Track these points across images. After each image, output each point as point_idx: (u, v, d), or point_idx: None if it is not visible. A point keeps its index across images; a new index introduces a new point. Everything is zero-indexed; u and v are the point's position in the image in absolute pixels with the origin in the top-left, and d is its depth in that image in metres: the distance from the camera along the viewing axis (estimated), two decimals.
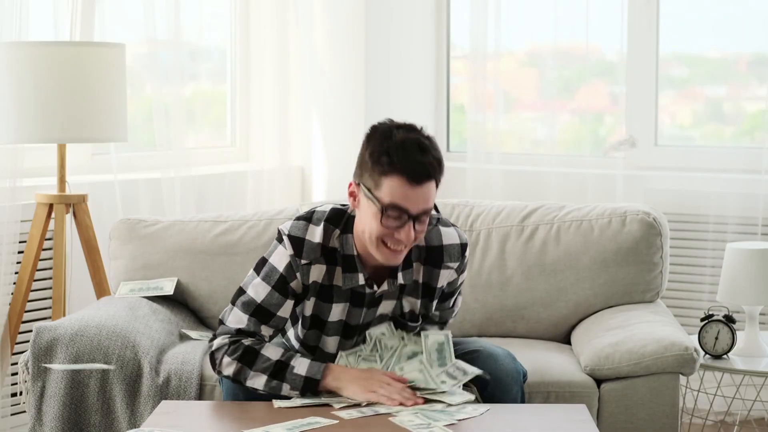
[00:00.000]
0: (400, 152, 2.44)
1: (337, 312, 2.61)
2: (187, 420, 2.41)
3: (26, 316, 3.54)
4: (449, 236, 2.65)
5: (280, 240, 2.61)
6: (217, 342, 2.58)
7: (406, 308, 2.65)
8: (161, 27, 3.99)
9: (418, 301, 2.65)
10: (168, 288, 3.28)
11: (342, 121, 4.53)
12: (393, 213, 2.45)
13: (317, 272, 2.58)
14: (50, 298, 3.55)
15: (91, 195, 3.64)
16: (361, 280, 2.58)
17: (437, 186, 2.51)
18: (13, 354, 3.48)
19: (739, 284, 3.31)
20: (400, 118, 2.59)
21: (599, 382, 2.86)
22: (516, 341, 3.18)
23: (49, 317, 3.56)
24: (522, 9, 4.57)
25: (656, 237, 3.24)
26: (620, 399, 2.83)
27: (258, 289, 2.59)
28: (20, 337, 3.54)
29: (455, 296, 2.75)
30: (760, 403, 3.69)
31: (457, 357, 2.62)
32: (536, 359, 2.94)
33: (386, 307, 2.64)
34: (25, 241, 3.47)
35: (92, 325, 2.94)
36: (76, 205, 3.49)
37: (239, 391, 2.57)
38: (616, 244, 3.25)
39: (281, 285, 2.57)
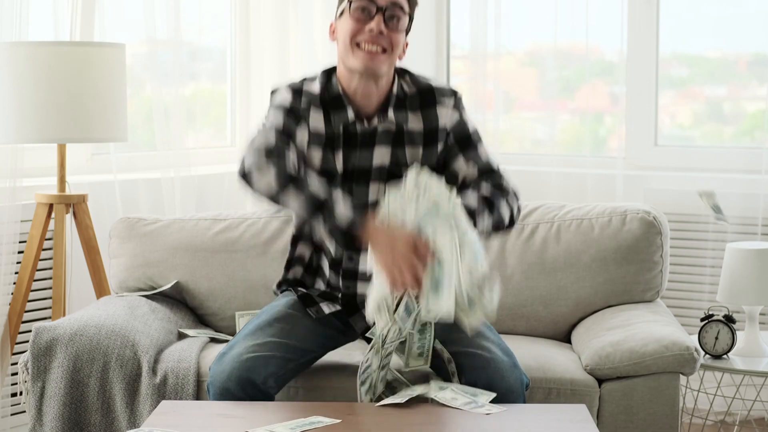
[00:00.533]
0: None
1: (340, 158, 2.66)
2: (187, 420, 2.41)
3: (26, 316, 3.54)
4: (438, 82, 2.76)
5: (276, 92, 2.70)
6: (249, 161, 2.58)
7: (408, 159, 2.68)
8: (161, 27, 3.99)
9: (420, 150, 2.69)
10: (166, 285, 3.29)
11: None
12: (361, 4, 2.59)
13: (316, 119, 2.65)
14: (50, 298, 3.55)
15: (91, 195, 3.64)
16: (350, 113, 2.64)
17: (411, 7, 2.65)
18: (13, 354, 3.48)
19: (739, 284, 3.31)
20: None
21: (600, 381, 2.86)
22: (517, 339, 3.18)
23: (49, 317, 3.56)
24: (522, 9, 4.57)
25: (656, 236, 3.24)
26: (620, 399, 2.83)
27: (272, 118, 2.65)
28: (20, 337, 3.54)
29: (478, 146, 2.74)
30: (760, 403, 3.69)
31: (455, 350, 2.62)
32: (539, 355, 2.94)
33: (382, 155, 2.67)
34: (25, 241, 3.47)
35: (91, 325, 2.94)
36: (76, 205, 3.49)
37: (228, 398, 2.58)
38: (616, 242, 3.25)
39: (292, 114, 2.65)
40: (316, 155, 2.68)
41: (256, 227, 3.37)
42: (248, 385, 2.57)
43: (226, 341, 3.15)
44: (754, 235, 3.97)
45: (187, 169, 4.02)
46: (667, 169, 4.25)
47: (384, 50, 2.61)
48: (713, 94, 4.47)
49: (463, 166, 2.73)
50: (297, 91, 2.69)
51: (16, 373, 3.47)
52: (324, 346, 2.78)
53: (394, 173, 2.69)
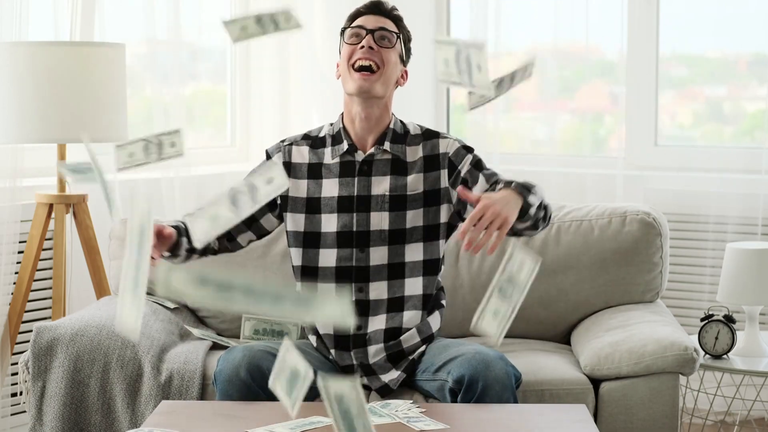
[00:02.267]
0: (360, 5, 2.86)
1: (329, 187, 2.82)
2: (187, 420, 2.41)
3: (26, 316, 3.54)
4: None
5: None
6: None
7: (410, 187, 2.79)
8: (161, 27, 3.99)
9: (421, 175, 2.80)
10: (168, 304, 3.28)
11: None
12: (353, 31, 2.81)
13: (299, 154, 2.86)
14: (50, 298, 3.55)
15: (91, 195, 3.64)
16: (345, 146, 2.81)
17: (403, 37, 2.85)
18: (13, 354, 3.48)
19: (739, 284, 3.31)
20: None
21: (599, 382, 2.86)
22: (514, 341, 3.18)
23: (49, 317, 3.56)
24: (522, 9, 4.57)
25: (656, 237, 3.24)
26: (620, 399, 2.83)
27: None
28: (20, 337, 3.54)
29: (490, 171, 2.82)
30: (760, 403, 3.69)
31: (445, 360, 2.67)
32: (531, 358, 2.95)
33: (381, 184, 2.80)
34: (25, 241, 3.47)
35: (92, 325, 2.94)
36: (76, 205, 3.49)
37: (233, 392, 2.59)
38: (616, 244, 3.25)
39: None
40: (302, 184, 2.84)
41: None
42: (258, 374, 2.58)
43: (228, 347, 3.13)
44: (754, 235, 3.97)
45: (187, 169, 4.02)
46: (667, 169, 4.25)
47: (377, 67, 2.78)
48: (713, 94, 4.47)
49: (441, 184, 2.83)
50: (280, 141, 2.93)
51: (16, 373, 3.47)
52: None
53: (396, 201, 2.80)
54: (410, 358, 2.79)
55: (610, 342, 2.89)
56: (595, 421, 2.81)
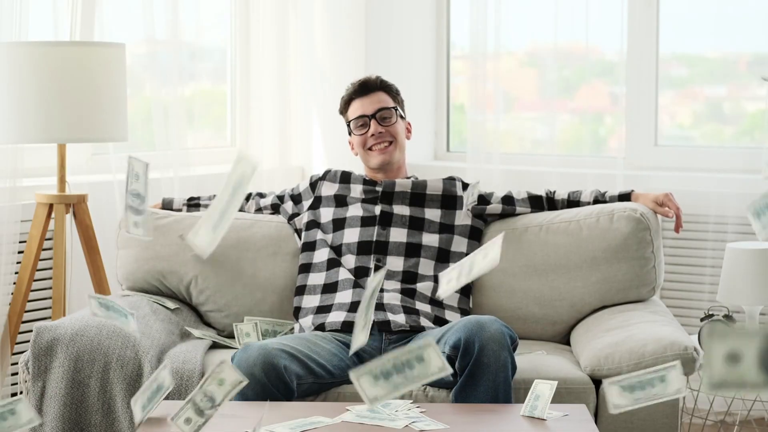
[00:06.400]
0: (350, 85, 3.29)
1: (354, 209, 3.22)
2: None
3: (26, 316, 3.54)
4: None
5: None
6: None
7: (429, 216, 3.17)
8: (161, 27, 3.99)
9: (439, 212, 3.18)
10: (168, 305, 3.28)
11: (342, 121, 4.53)
12: (357, 122, 3.27)
13: (329, 188, 3.27)
14: (50, 298, 3.55)
15: (91, 195, 3.64)
16: (367, 177, 3.25)
17: (394, 98, 3.28)
18: (13, 354, 3.48)
19: (739, 284, 3.31)
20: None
21: (599, 382, 2.86)
22: None
23: (49, 317, 3.56)
24: (522, 9, 4.57)
25: (644, 232, 3.24)
26: None
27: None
28: (20, 337, 3.54)
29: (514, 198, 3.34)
30: (760, 403, 3.69)
31: (443, 332, 2.79)
32: (532, 356, 2.95)
33: (401, 210, 3.20)
34: (25, 241, 3.47)
35: (92, 325, 2.94)
36: (76, 205, 3.49)
37: (248, 391, 2.59)
38: (605, 242, 3.25)
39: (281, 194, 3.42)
40: (328, 213, 3.25)
41: (269, 229, 3.38)
42: (273, 373, 2.61)
43: (230, 347, 3.12)
44: (754, 235, 3.96)
45: (187, 169, 4.02)
46: (667, 169, 4.25)
47: (390, 143, 3.23)
48: (713, 94, 4.47)
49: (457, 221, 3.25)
50: (323, 173, 3.35)
51: (16, 373, 3.47)
52: (344, 371, 2.81)
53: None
54: (420, 322, 2.98)
55: (610, 342, 2.90)
56: (596, 421, 2.81)
